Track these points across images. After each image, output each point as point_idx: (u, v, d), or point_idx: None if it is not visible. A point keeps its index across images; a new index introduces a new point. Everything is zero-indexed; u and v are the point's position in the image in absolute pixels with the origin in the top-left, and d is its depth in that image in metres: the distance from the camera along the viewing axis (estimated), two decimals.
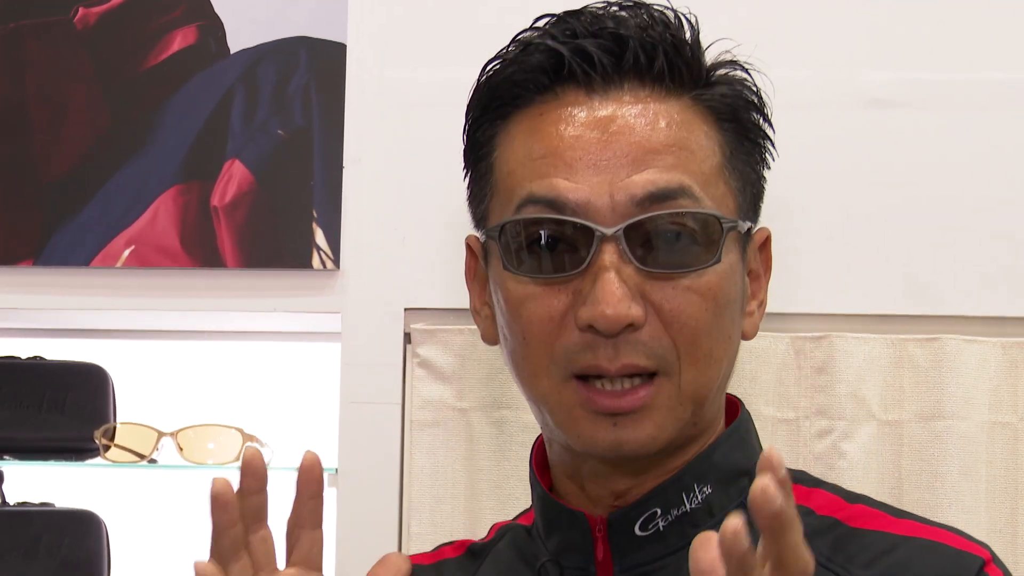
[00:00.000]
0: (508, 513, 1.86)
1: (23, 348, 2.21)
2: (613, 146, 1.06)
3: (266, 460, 2.10)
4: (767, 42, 1.94)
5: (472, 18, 2.01)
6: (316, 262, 2.01)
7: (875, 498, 1.15)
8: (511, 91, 1.10)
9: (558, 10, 1.09)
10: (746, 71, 1.11)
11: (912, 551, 1.07)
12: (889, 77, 1.95)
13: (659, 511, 1.09)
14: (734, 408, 1.15)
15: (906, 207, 1.93)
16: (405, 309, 2.00)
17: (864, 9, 1.98)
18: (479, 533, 1.90)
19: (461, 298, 1.98)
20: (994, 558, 1.08)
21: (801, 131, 1.88)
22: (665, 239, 1.05)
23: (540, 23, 1.08)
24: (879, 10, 1.99)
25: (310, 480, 1.01)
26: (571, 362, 1.05)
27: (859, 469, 1.89)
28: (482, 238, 1.15)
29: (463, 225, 2.05)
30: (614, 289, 1.03)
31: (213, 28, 2.05)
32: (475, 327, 2.03)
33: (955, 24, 1.99)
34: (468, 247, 1.17)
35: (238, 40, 2.05)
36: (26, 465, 2.17)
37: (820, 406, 1.90)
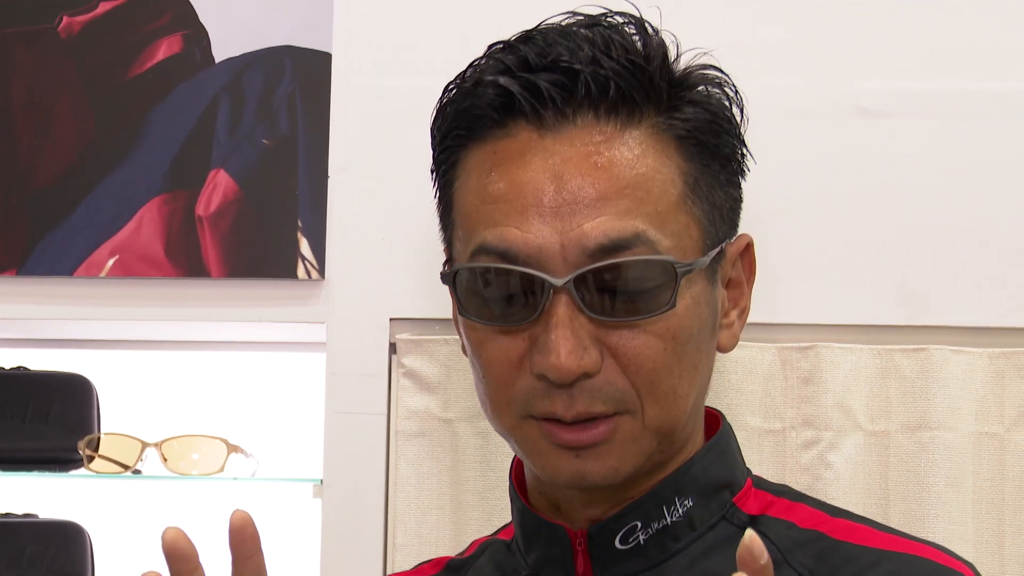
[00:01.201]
0: (494, 524, 1.88)
1: (7, 358, 2.23)
2: (564, 192, 1.04)
3: (251, 471, 2.08)
4: (755, 50, 1.93)
5: (456, 27, 2.02)
6: (301, 272, 2.02)
7: (859, 512, 1.15)
8: (466, 123, 1.09)
9: (532, 20, 1.07)
10: (720, 84, 1.10)
11: (896, 565, 1.07)
12: (877, 86, 1.96)
13: (639, 524, 1.09)
14: (715, 421, 1.15)
15: (894, 217, 1.94)
16: (391, 319, 2.01)
17: (853, 19, 1.99)
18: (463, 543, 1.92)
19: (447, 308, 2.01)
20: (976, 572, 1.08)
21: (789, 140, 1.90)
22: (618, 287, 1.04)
23: (496, 52, 1.07)
24: (868, 20, 2.00)
25: (244, 540, 0.96)
26: (529, 405, 1.05)
27: (846, 480, 1.89)
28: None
29: (440, 244, 2.10)
30: (566, 340, 1.02)
31: (198, 37, 2.06)
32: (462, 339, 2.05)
33: (944, 34, 2.00)
34: (447, 252, 1.16)
35: (223, 49, 2.06)
36: (9, 476, 2.17)
37: (806, 416, 1.90)
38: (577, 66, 1.04)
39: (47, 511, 2.20)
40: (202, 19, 2.05)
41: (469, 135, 1.10)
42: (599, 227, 1.03)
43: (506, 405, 1.08)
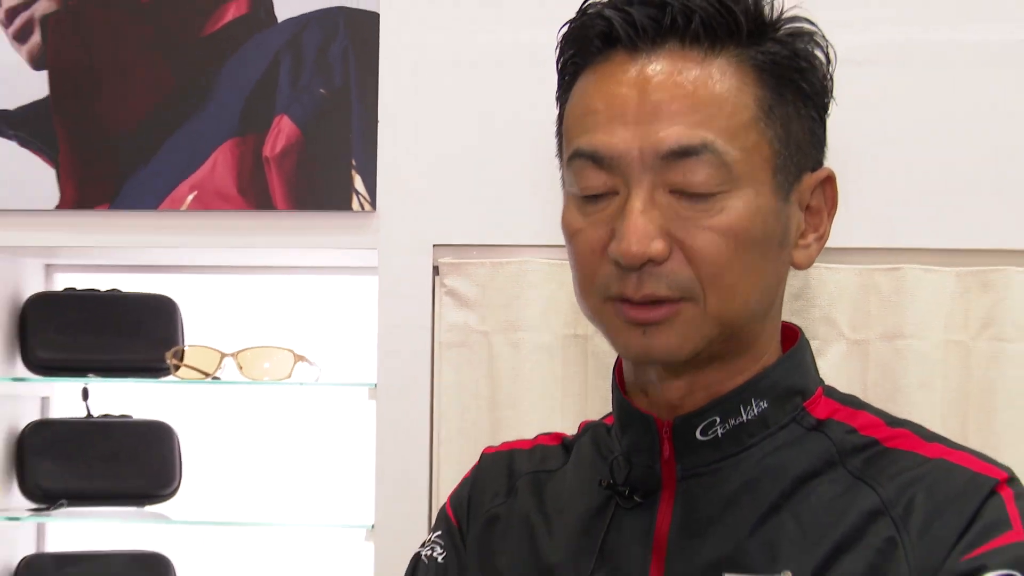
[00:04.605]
0: (524, 421, 1.93)
1: (103, 282, 2.26)
2: (646, 104, 1.04)
3: (314, 377, 2.06)
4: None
5: None
6: (355, 205, 2.02)
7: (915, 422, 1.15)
8: (575, 53, 1.10)
9: None
10: (808, 33, 1.09)
11: (933, 471, 1.06)
12: (859, 40, 1.91)
13: (718, 419, 1.09)
14: (793, 335, 1.15)
15: (870, 155, 1.92)
16: (433, 245, 2.00)
17: None
18: (499, 439, 1.92)
19: (483, 235, 1.98)
20: (1011, 479, 1.06)
21: None
22: (686, 188, 1.04)
23: None
24: None
25: None
26: (607, 288, 1.06)
27: (830, 382, 1.84)
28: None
29: (484, 172, 2.03)
30: (635, 230, 1.02)
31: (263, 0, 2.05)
32: (496, 260, 2.01)
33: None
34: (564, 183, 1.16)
35: (285, 10, 2.04)
36: (107, 382, 2.20)
37: (801, 325, 1.90)
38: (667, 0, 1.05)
39: (140, 413, 2.24)
40: None
41: (579, 63, 1.10)
42: (673, 135, 1.04)
43: (591, 288, 1.08)
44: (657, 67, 1.05)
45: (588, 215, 1.07)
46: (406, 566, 1.25)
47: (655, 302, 1.04)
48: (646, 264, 1.03)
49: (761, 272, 1.06)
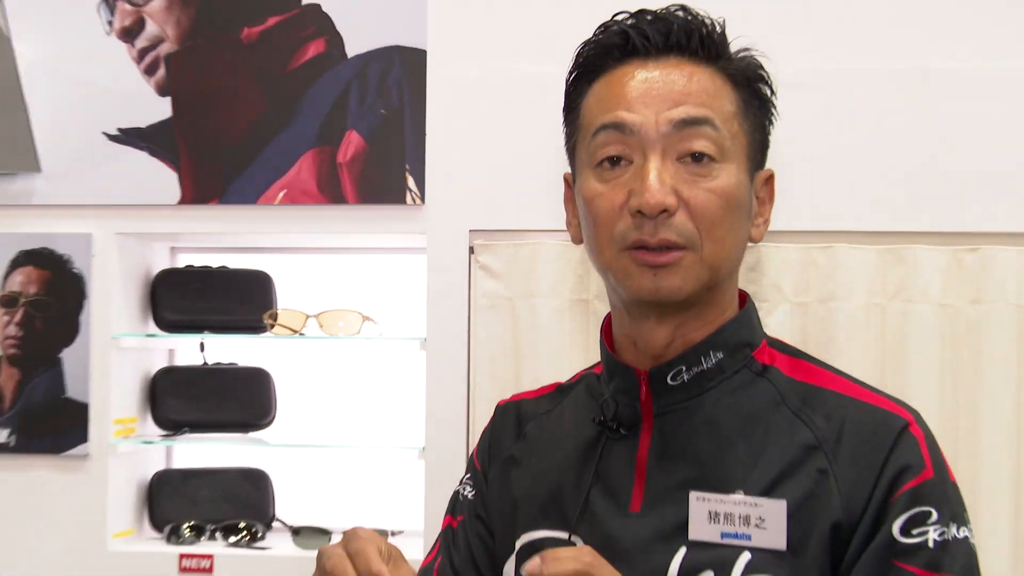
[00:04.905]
0: (543, 369, 1.96)
1: (214, 261, 2.28)
2: (660, 90, 1.04)
3: (378, 333, 2.11)
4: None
5: (518, 28, 2.01)
6: (408, 199, 2.03)
7: (834, 368, 1.12)
8: (596, 61, 1.08)
9: (597, 12, 1.09)
10: (760, 56, 1.08)
11: (855, 410, 1.04)
12: (797, 66, 1.90)
13: (684, 368, 1.07)
14: (744, 299, 1.13)
15: (808, 155, 1.92)
16: (469, 230, 2.03)
17: (779, 15, 1.94)
18: (520, 381, 1.96)
19: (508, 222, 2.01)
20: (917, 419, 1.04)
21: None
22: (692, 153, 1.03)
23: (618, 16, 1.07)
24: (791, 15, 1.95)
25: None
26: (624, 239, 1.04)
27: (777, 335, 1.76)
28: (570, 168, 1.13)
29: (508, 173, 2.01)
30: (655, 184, 1.01)
31: (336, 41, 2.06)
32: (518, 243, 2.01)
33: (846, 23, 1.96)
34: (565, 181, 1.14)
35: (353, 48, 2.06)
36: (218, 337, 2.23)
37: (752, 293, 1.86)
38: (672, 21, 1.05)
39: (244, 361, 2.27)
40: (338, 28, 2.06)
41: (597, 70, 1.08)
42: (682, 111, 1.03)
43: (608, 242, 1.06)
44: (666, 69, 1.05)
45: (607, 181, 1.05)
46: (449, 492, 1.23)
47: (667, 248, 1.03)
48: (661, 214, 1.02)
49: (740, 231, 1.06)
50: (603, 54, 1.06)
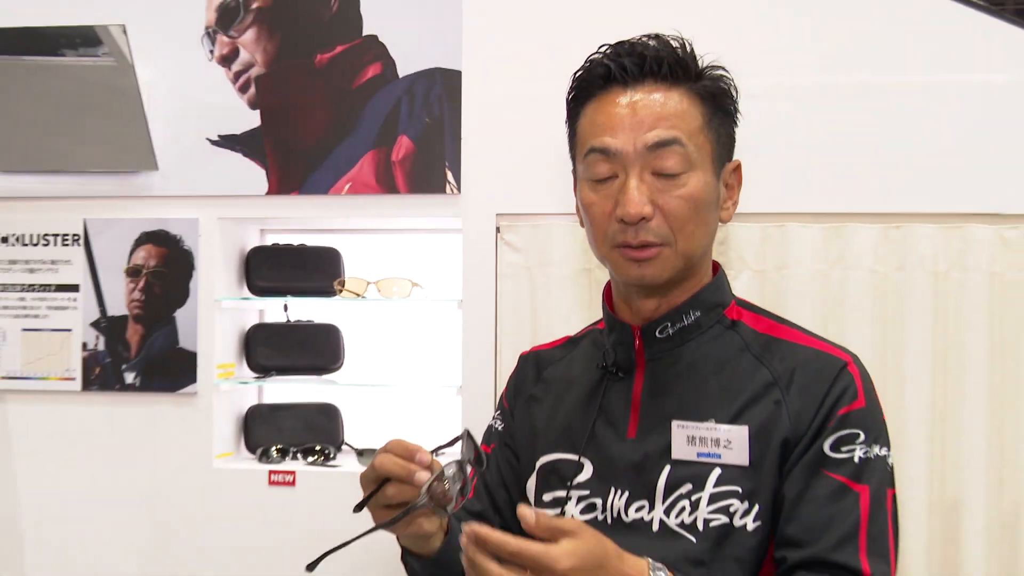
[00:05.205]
0: (552, 323, 1.98)
1: (295, 239, 2.27)
2: (636, 117, 1.01)
3: (424, 296, 2.12)
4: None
5: (535, 55, 2.00)
6: (448, 190, 2.04)
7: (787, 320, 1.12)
8: (586, 88, 1.06)
9: (599, 39, 1.07)
10: (725, 72, 1.06)
11: (806, 354, 1.04)
12: (757, 80, 1.88)
13: (669, 324, 1.06)
14: (717, 267, 1.12)
15: (766, 152, 1.90)
16: (496, 214, 2.03)
17: (744, 33, 1.94)
18: (538, 337, 1.97)
19: (527, 207, 2.03)
20: (854, 360, 1.03)
21: None
22: (664, 170, 1.01)
23: (602, 49, 1.05)
24: (756, 33, 1.94)
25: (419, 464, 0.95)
26: (614, 239, 1.03)
27: (742, 296, 1.77)
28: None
29: (527, 168, 2.02)
30: (635, 196, 1.00)
31: (390, 64, 2.06)
32: (535, 224, 2.01)
33: (803, 43, 1.95)
34: (574, 176, 1.11)
35: (403, 70, 2.06)
36: (298, 299, 2.22)
37: (722, 263, 1.65)
38: (646, 52, 1.02)
39: (318, 319, 2.26)
40: (391, 54, 2.05)
41: (587, 96, 1.06)
42: (654, 135, 1.00)
43: (602, 240, 1.04)
44: (641, 95, 1.02)
45: (598, 192, 1.04)
46: (481, 422, 1.24)
47: (646, 246, 1.02)
48: (640, 220, 1.01)
49: (708, 224, 1.04)
50: (590, 82, 1.05)
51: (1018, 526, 1.86)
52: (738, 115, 1.07)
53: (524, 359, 1.23)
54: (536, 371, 1.20)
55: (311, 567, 0.91)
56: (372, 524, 0.95)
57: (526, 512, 0.86)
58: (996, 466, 1.87)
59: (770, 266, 1.94)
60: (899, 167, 1.91)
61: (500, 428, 1.20)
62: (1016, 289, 1.88)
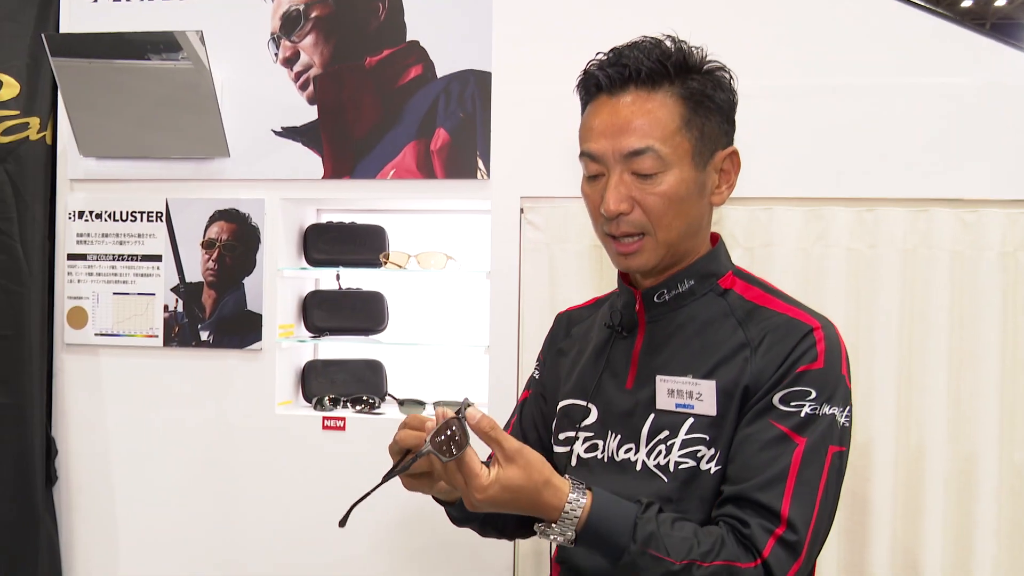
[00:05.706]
0: (569, 291, 2.07)
1: (347, 218, 2.35)
2: (617, 124, 1.04)
3: (458, 267, 2.22)
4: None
5: (556, 57, 2.02)
6: (479, 176, 2.10)
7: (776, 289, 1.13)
8: (583, 95, 1.10)
9: (605, 45, 1.09)
10: (720, 69, 1.06)
11: (780, 319, 1.07)
12: (749, 82, 1.77)
13: (666, 290, 1.10)
14: (716, 238, 1.13)
15: (756, 143, 1.82)
16: (520, 196, 2.09)
17: (733, 35, 1.96)
18: (556, 304, 2.05)
19: (546, 190, 2.14)
20: (824, 326, 1.04)
21: None
22: (639, 171, 1.04)
23: (598, 56, 1.08)
24: (742, 36, 1.99)
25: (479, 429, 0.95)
26: (603, 229, 1.09)
27: None
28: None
29: (547, 157, 2.15)
30: (613, 195, 1.04)
31: (430, 65, 2.12)
32: (554, 206, 2.12)
33: (793, 48, 2.00)
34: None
35: (441, 71, 2.12)
36: (348, 270, 2.29)
37: None
38: (627, 63, 1.04)
39: (366, 287, 2.33)
40: (431, 57, 2.12)
41: (585, 100, 1.09)
42: (631, 142, 1.03)
43: (597, 228, 1.09)
44: (622, 101, 1.04)
45: (591, 187, 1.09)
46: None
47: (627, 236, 1.05)
48: (619, 215, 1.05)
49: (687, 214, 1.06)
50: (586, 89, 1.10)
51: (972, 471, 1.96)
52: (735, 104, 1.08)
53: (559, 318, 1.28)
54: (567, 328, 1.26)
55: (343, 522, 0.93)
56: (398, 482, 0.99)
57: (474, 412, 0.91)
58: (954, 421, 1.95)
59: (758, 244, 2.00)
60: (873, 158, 1.98)
61: (536, 376, 1.27)
62: (973, 264, 1.96)
